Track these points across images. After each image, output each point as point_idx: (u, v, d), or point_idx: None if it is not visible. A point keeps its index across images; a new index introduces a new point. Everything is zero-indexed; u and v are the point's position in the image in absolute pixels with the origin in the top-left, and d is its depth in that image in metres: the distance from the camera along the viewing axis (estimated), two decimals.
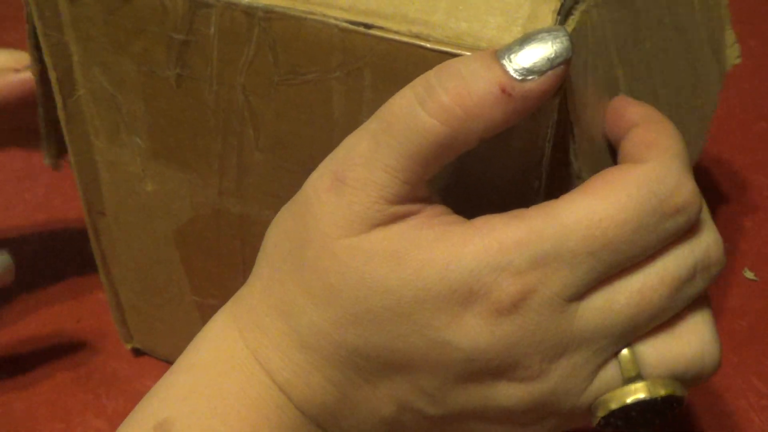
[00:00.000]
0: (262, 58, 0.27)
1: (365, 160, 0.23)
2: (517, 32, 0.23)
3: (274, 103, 0.27)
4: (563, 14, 0.24)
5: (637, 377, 0.23)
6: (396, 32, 0.24)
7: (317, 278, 0.24)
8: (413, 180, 0.23)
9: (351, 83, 0.26)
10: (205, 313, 0.36)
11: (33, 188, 0.51)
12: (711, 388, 0.40)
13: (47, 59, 0.31)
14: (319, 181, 0.24)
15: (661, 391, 0.23)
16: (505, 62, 0.22)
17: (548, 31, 0.22)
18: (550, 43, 0.22)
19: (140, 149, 0.32)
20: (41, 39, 0.30)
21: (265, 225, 0.26)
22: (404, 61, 0.24)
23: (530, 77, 0.22)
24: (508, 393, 0.23)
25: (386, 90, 0.24)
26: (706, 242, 0.24)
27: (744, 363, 0.41)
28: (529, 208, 0.23)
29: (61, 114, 0.32)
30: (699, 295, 0.24)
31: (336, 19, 0.25)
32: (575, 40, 0.23)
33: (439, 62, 0.23)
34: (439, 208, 0.24)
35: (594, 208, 0.22)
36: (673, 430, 0.38)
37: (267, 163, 0.29)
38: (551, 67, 0.22)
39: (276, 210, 0.26)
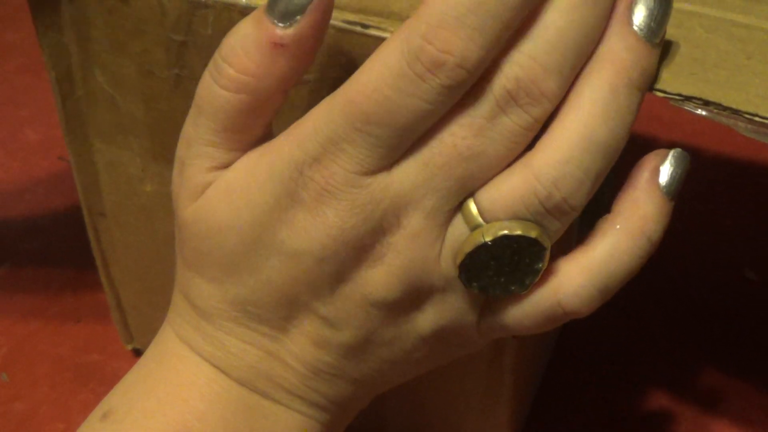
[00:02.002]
0: None
1: (192, 140, 0.24)
2: None
3: None
4: None
5: (480, 225, 0.23)
6: (393, 32, 0.24)
7: (187, 250, 0.25)
8: (238, 146, 0.24)
9: None
10: None
11: (33, 188, 0.51)
12: (710, 389, 0.40)
13: (46, 60, 0.31)
14: (173, 170, 0.26)
15: (499, 231, 0.22)
16: (270, 15, 0.22)
17: None
18: None
19: (140, 150, 0.32)
20: (40, 39, 0.30)
21: None
22: None
23: (294, 21, 0.22)
24: (374, 279, 0.23)
25: None
26: (510, 69, 0.21)
27: (744, 363, 0.41)
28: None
29: (60, 115, 0.33)
30: (528, 126, 0.22)
31: (333, 19, 0.25)
32: None
33: None
34: None
35: (353, 86, 0.22)
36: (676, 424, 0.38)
37: None
38: (309, 1, 0.22)
39: None
